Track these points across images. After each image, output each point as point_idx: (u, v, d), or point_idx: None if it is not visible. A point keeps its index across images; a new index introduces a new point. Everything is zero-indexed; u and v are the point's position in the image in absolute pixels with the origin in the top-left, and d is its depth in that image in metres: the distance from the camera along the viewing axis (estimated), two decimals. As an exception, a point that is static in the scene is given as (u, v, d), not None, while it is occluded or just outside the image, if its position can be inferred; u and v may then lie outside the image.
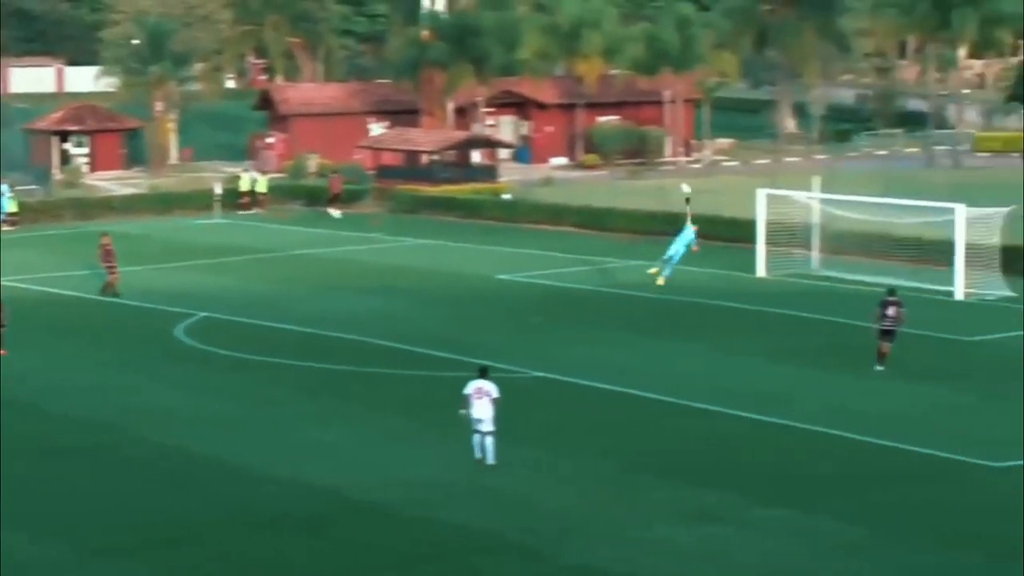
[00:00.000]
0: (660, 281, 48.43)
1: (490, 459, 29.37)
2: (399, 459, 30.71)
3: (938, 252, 49.66)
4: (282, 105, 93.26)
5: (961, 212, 47.47)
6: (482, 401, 29.36)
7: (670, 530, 26.00)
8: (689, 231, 49.00)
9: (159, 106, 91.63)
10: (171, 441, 31.97)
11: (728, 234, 58.61)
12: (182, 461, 30.64)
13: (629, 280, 51.29)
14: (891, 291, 38.21)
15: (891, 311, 36.98)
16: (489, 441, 29.43)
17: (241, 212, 72.43)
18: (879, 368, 37.05)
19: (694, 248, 49.03)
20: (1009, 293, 46.39)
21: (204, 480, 29.52)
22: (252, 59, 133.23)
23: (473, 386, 29.64)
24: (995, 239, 47.76)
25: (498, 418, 29.44)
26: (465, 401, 29.58)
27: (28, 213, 70.32)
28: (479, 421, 29.38)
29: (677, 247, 48.89)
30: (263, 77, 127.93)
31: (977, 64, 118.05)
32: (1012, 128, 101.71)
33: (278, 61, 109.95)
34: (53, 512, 27.47)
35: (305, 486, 28.87)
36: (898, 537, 25.43)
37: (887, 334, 37.01)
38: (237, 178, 76.20)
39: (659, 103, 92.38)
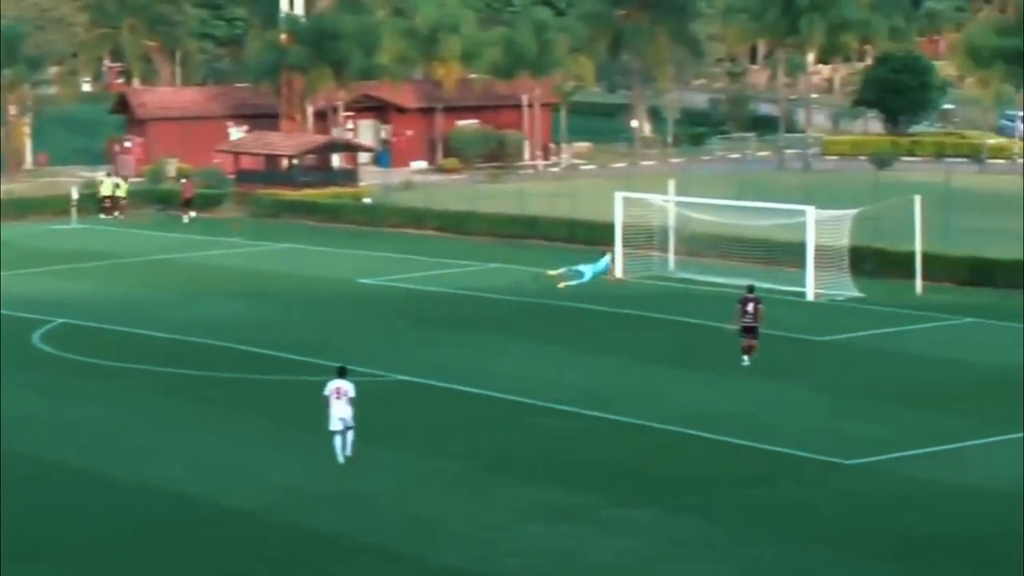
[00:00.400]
0: (561, 285, 48.33)
1: (349, 451, 29.76)
2: (263, 464, 30.56)
3: (790, 253, 50.46)
4: (139, 109, 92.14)
5: (811, 214, 48.29)
6: (341, 401, 29.62)
7: (530, 529, 26.18)
8: (604, 261, 48.94)
9: (12, 110, 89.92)
10: (29, 449, 31.49)
11: (586, 237, 59.09)
12: (40, 469, 30.19)
13: (490, 283, 51.44)
14: (750, 288, 39.03)
15: (751, 307, 37.84)
16: (350, 435, 29.80)
17: (103, 216, 71.43)
18: (746, 362, 37.76)
19: (608, 277, 48.89)
20: (857, 294, 47.28)
21: (64, 488, 29.12)
22: (108, 62, 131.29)
23: (332, 386, 29.89)
24: (844, 241, 48.65)
25: (356, 416, 29.68)
26: (325, 402, 29.76)
27: None
28: (340, 420, 29.63)
29: (588, 269, 48.79)
30: (120, 80, 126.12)
31: (825, 69, 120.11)
32: (859, 132, 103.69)
33: (135, 64, 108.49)
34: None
35: (168, 493, 28.62)
36: (750, 534, 25.83)
37: (749, 330, 37.80)
38: (99, 183, 75.16)
39: (517, 107, 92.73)
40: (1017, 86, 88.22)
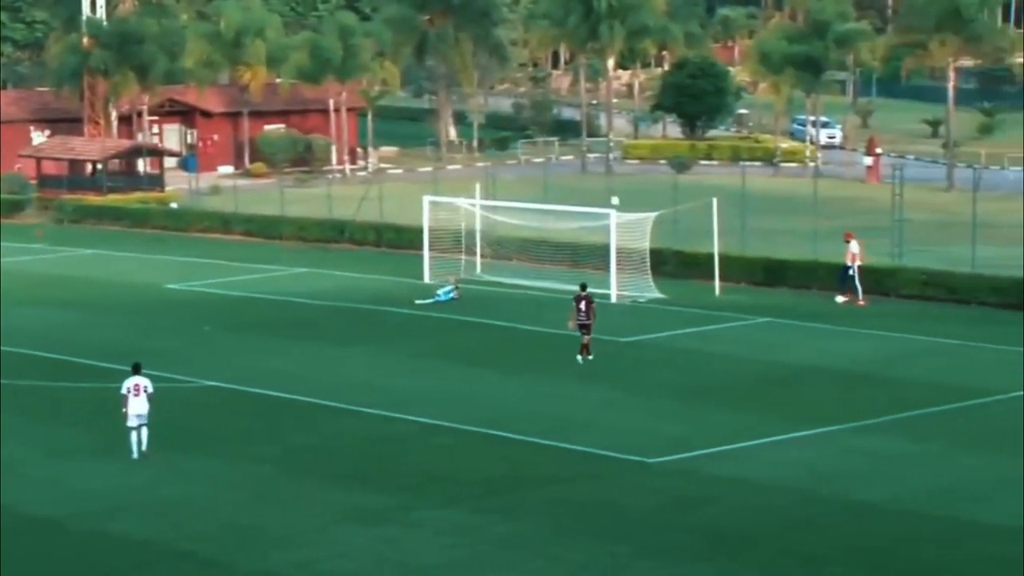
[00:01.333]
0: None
1: (144, 447, 29.89)
2: (68, 472, 29.99)
3: (594, 256, 51.05)
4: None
5: (614, 217, 48.86)
6: (139, 397, 29.79)
7: (345, 532, 26.11)
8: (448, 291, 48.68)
9: None
10: None
11: (394, 240, 59.14)
12: None
13: (299, 288, 51.13)
14: (583, 286, 39.79)
15: (583, 305, 38.78)
16: (144, 432, 29.96)
17: None
18: (581, 359, 38.57)
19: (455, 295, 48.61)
20: (659, 295, 47.98)
21: None
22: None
23: (129, 383, 30.01)
24: (645, 243, 49.30)
25: (152, 413, 29.95)
26: (123, 400, 29.82)
27: None
28: (137, 416, 29.78)
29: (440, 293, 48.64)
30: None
31: (625, 74, 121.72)
32: (658, 136, 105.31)
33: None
34: None
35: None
36: (554, 533, 26.05)
37: (584, 327, 38.71)
38: None
39: (324, 111, 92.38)
40: (807, 91, 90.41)
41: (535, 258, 53.15)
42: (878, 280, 48.07)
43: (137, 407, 29.86)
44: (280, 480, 29.36)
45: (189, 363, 39.12)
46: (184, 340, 42.93)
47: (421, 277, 51.79)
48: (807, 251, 51.47)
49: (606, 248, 48.90)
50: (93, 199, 73.22)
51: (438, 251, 52.72)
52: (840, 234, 49.14)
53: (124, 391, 30.03)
